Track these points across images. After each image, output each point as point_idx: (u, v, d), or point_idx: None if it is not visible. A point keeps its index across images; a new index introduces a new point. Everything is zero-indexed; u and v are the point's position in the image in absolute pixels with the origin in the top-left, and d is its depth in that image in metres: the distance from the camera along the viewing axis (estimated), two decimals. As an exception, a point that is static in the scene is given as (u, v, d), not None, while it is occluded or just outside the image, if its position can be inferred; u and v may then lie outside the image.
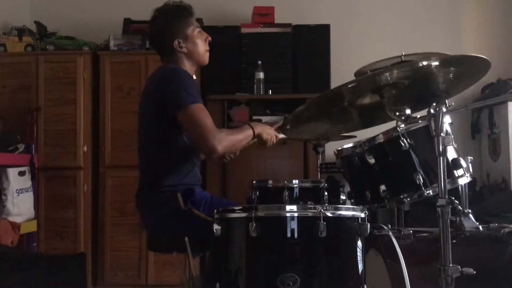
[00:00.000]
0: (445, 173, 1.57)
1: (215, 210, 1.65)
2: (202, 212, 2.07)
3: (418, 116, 1.79)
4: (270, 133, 2.25)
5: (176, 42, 2.24)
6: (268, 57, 3.98)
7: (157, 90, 2.14)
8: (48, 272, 2.96)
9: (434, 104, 1.58)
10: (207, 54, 2.32)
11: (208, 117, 2.05)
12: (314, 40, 4.05)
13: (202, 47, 2.29)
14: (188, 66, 2.28)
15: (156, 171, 2.17)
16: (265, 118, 3.91)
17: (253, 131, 2.17)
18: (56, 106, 3.90)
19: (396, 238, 1.82)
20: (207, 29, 2.57)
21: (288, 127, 2.14)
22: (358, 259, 1.59)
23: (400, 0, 4.45)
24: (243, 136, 2.14)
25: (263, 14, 4.13)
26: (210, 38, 2.32)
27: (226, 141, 2.04)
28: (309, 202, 2.10)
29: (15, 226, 3.39)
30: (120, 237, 3.84)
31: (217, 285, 1.61)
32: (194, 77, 2.35)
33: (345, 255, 1.59)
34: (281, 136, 2.31)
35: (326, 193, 2.13)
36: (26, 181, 3.64)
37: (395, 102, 1.76)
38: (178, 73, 2.14)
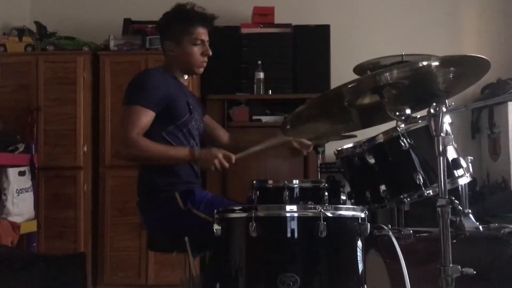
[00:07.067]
0: (445, 173, 1.56)
1: (215, 210, 1.65)
2: (202, 212, 2.08)
3: (418, 116, 1.79)
4: (211, 162, 2.10)
5: (167, 43, 2.26)
6: (268, 57, 3.97)
7: None
8: (48, 272, 2.96)
9: (434, 104, 1.58)
10: (203, 66, 2.30)
11: (137, 122, 2.06)
12: (314, 40, 4.04)
13: (196, 59, 2.26)
14: (176, 70, 2.29)
15: (152, 171, 2.18)
16: (265, 118, 3.92)
17: (193, 155, 2.10)
18: (56, 106, 3.89)
19: (396, 238, 1.82)
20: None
21: (288, 127, 2.13)
22: (358, 259, 1.59)
23: (400, 0, 4.44)
24: (168, 156, 2.09)
25: (263, 14, 4.12)
26: (210, 53, 2.28)
27: (138, 151, 2.05)
28: (309, 202, 2.10)
29: (15, 226, 3.39)
30: (120, 237, 3.83)
31: (217, 285, 1.61)
32: (186, 77, 2.33)
33: (345, 255, 1.59)
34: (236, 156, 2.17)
35: (326, 193, 2.13)
36: (26, 181, 3.64)
37: (395, 102, 1.76)
38: (142, 74, 2.21)
